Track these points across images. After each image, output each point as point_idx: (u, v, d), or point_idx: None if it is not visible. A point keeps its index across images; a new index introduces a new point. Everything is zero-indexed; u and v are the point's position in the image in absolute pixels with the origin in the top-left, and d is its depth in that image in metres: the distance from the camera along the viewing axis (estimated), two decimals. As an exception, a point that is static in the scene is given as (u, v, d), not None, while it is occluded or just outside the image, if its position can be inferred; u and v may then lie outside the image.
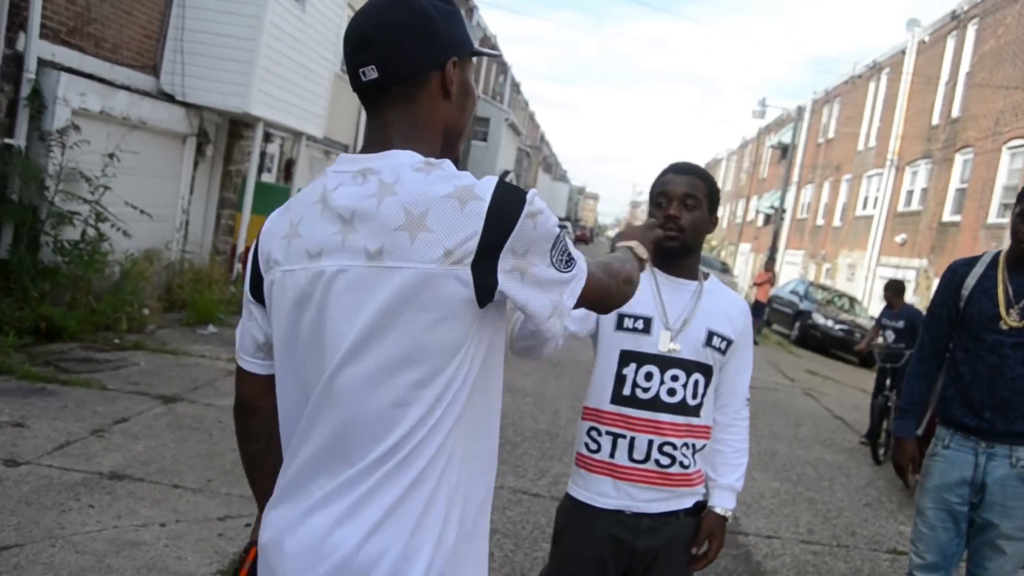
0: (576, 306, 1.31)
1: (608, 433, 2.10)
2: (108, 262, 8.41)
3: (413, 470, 1.21)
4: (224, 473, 4.62)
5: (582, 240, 66.87)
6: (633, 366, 2.09)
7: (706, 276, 2.24)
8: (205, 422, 5.48)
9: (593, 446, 2.12)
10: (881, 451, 7.43)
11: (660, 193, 2.16)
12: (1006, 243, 2.96)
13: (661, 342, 2.08)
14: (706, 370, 2.13)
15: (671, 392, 2.09)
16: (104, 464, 4.49)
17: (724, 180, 52.94)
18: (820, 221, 29.93)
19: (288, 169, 14.54)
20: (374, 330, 1.20)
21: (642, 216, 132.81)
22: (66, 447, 4.68)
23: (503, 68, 35.96)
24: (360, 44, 1.30)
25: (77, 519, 3.77)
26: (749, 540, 4.93)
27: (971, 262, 3.00)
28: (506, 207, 1.19)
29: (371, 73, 1.29)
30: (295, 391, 1.32)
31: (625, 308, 1.96)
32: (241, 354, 1.45)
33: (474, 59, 1.42)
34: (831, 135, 30.47)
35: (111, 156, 8.38)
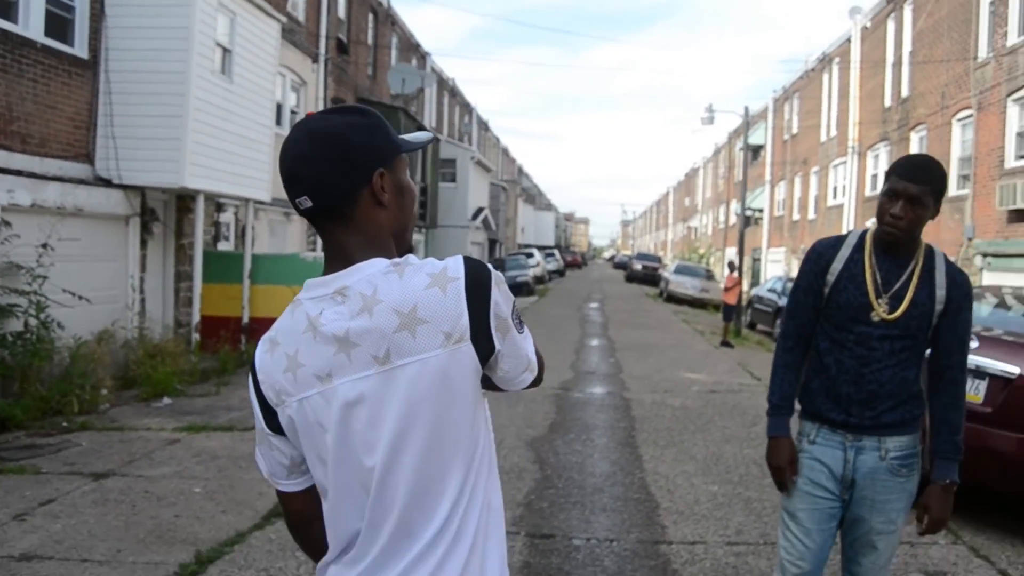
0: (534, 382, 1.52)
1: None
2: (56, 348, 8.58)
3: (470, 528, 1.38)
4: (137, 542, 4.73)
5: (574, 265, 67.15)
6: None
7: None
8: (131, 494, 5.61)
9: None
10: None
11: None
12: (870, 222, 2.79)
13: None
14: None
15: None
16: (17, 547, 4.62)
17: (704, 188, 53.20)
18: (796, 216, 30.10)
19: (243, 236, 14.78)
20: (405, 424, 1.32)
21: (631, 233, 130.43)
22: (-15, 533, 4.81)
23: (468, 109, 36.44)
24: (290, 179, 1.40)
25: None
26: (671, 548, 4.85)
27: (836, 244, 2.74)
28: (479, 279, 1.35)
29: (306, 203, 1.40)
30: (345, 494, 1.40)
31: None
32: (276, 480, 1.52)
33: (406, 154, 1.50)
34: (795, 130, 30.75)
35: (44, 247, 8.59)
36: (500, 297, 1.37)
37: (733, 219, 40.45)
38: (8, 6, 9.08)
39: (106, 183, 10.32)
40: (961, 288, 2.66)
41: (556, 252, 48.81)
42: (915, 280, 2.61)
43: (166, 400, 9.14)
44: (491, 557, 1.42)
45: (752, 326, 21.30)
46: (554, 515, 5.33)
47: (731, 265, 18.14)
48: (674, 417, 8.59)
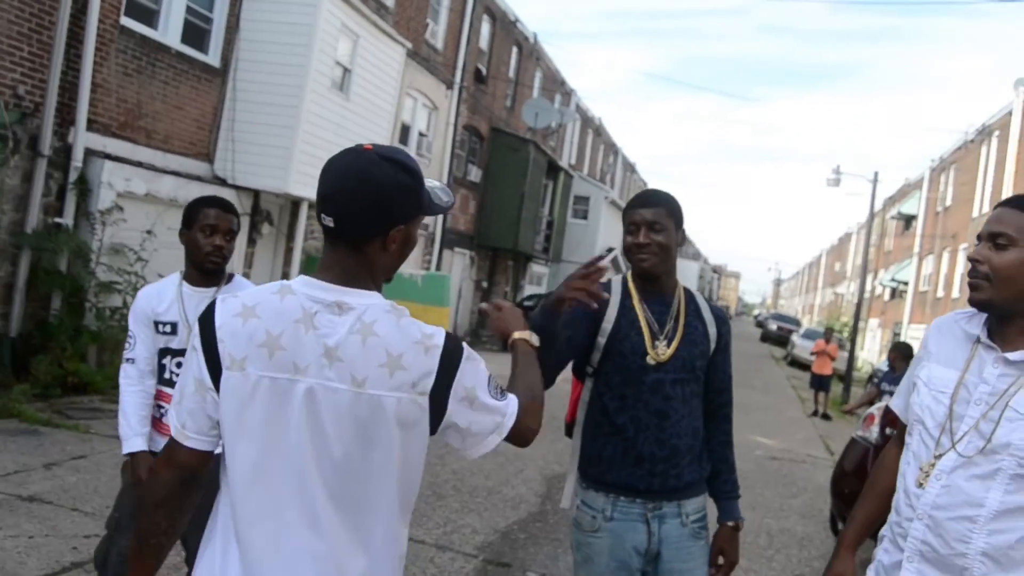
0: (508, 435, 1.68)
1: None
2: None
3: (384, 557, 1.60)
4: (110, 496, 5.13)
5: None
6: None
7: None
8: (151, 461, 6.07)
9: None
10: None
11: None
12: None
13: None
14: None
15: None
16: (30, 489, 5.12)
17: (854, 254, 50.94)
18: (940, 293, 28.39)
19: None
20: (358, 439, 1.51)
21: (781, 293, 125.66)
22: (11, 475, 5.35)
23: (613, 149, 36.62)
24: (324, 198, 1.56)
25: (-37, 527, 4.37)
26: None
27: (607, 290, 2.53)
28: (453, 352, 1.57)
29: (329, 222, 1.55)
30: (278, 475, 1.52)
31: None
32: (191, 434, 1.57)
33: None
34: (948, 203, 29.10)
35: (148, 232, 9.39)
36: (468, 368, 1.59)
37: (879, 289, 38.62)
38: (150, 13, 10.06)
39: (221, 182, 11.16)
40: (724, 322, 2.62)
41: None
42: (683, 314, 2.52)
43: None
44: None
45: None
46: (525, 547, 5.35)
47: (827, 332, 17.26)
48: (715, 475, 8.36)
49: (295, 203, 12.81)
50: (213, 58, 11.04)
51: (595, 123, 32.57)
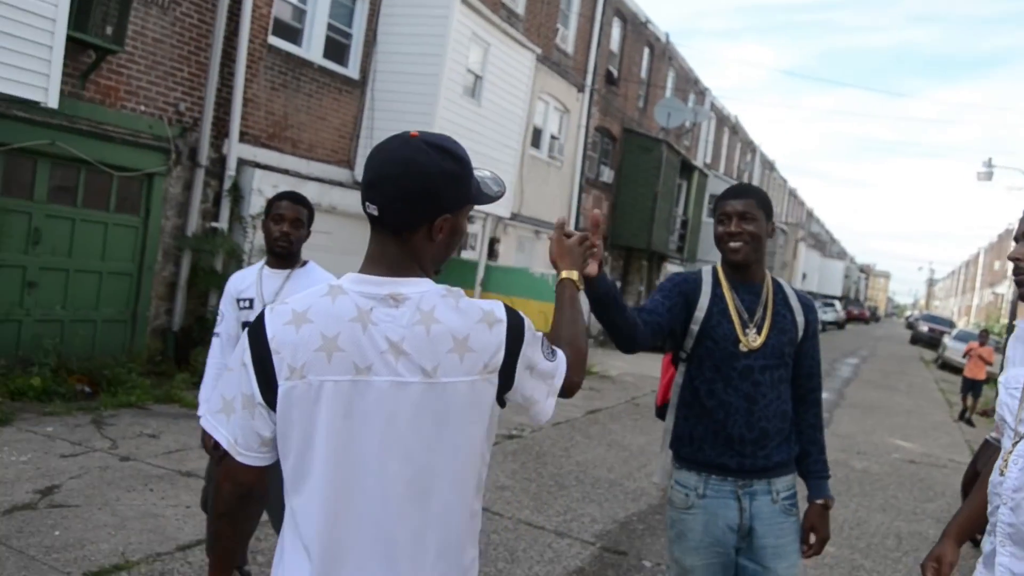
0: (560, 392, 1.69)
1: None
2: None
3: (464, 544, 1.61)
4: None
5: (859, 319, 62.87)
6: None
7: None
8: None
9: None
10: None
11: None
12: None
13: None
14: None
15: None
16: (187, 466, 5.65)
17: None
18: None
19: (492, 247, 15.89)
20: (436, 429, 1.49)
21: (935, 294, 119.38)
22: (172, 453, 5.92)
23: (750, 147, 35.80)
24: (369, 185, 1.52)
25: (132, 495, 4.90)
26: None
27: (696, 279, 2.63)
28: (516, 324, 1.57)
29: (373, 210, 1.52)
30: (353, 480, 1.48)
31: None
32: (243, 451, 1.53)
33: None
34: None
35: (294, 235, 10.03)
36: (529, 338, 1.58)
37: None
38: (295, 32, 10.74)
39: (360, 186, 11.75)
40: (812, 310, 2.69)
41: (836, 303, 46.16)
42: (772, 303, 2.60)
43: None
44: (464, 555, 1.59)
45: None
46: (642, 538, 5.44)
47: (982, 334, 16.06)
48: (846, 479, 8.14)
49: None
50: (353, 71, 11.66)
51: (731, 121, 31.97)
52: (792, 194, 48.20)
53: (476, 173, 1.64)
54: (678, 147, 23.56)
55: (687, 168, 23.21)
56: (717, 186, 27.15)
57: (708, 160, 29.01)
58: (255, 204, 9.86)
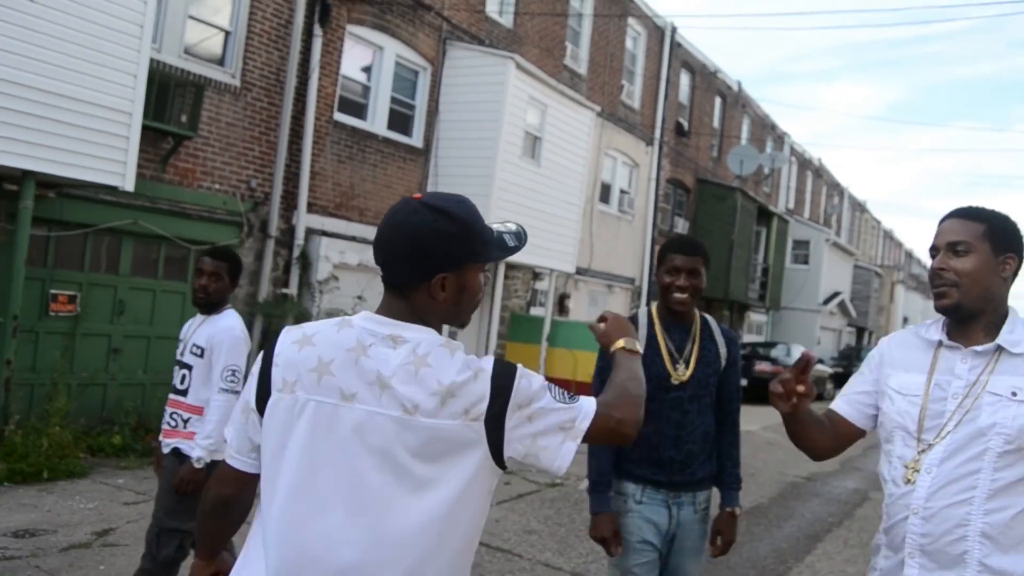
0: (590, 435, 1.63)
1: None
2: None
3: None
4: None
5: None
6: None
7: None
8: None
9: None
10: None
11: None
12: None
13: None
14: None
15: None
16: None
17: None
18: None
19: (562, 303, 16.23)
20: (404, 471, 1.53)
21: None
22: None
23: (837, 189, 35.20)
24: (374, 246, 1.66)
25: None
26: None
27: (631, 320, 2.93)
28: (503, 373, 1.58)
29: (379, 270, 1.65)
30: (319, 497, 1.54)
31: None
32: (236, 455, 1.67)
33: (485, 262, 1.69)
34: None
35: (359, 298, 10.65)
36: (523, 385, 1.58)
37: None
38: (360, 107, 11.51)
39: (426, 249, 12.34)
40: (733, 342, 3.13)
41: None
42: (698, 340, 3.01)
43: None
44: None
45: None
46: None
47: None
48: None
49: (509, 266, 13.72)
50: (417, 140, 12.35)
51: (814, 165, 31.60)
52: (888, 235, 46.85)
53: (496, 227, 1.71)
54: (756, 194, 23.51)
55: (765, 215, 23.10)
56: (800, 232, 26.86)
57: (791, 205, 28.73)
58: (322, 270, 10.55)
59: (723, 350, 3.05)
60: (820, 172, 32.46)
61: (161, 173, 8.91)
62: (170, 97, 8.54)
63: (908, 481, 2.00)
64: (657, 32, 18.80)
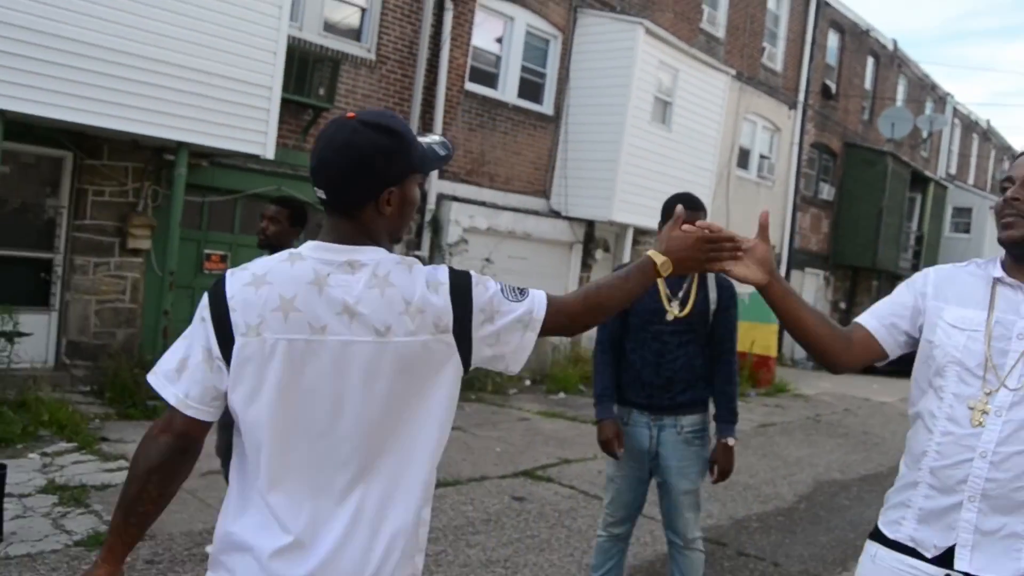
0: (545, 327, 1.70)
1: None
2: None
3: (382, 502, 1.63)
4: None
5: None
6: None
7: None
8: (456, 444, 7.43)
9: None
10: None
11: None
12: None
13: None
14: None
15: None
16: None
17: None
18: None
19: (696, 269, 16.12)
20: (386, 390, 1.57)
21: None
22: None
23: (1008, 153, 32.67)
24: (313, 172, 1.61)
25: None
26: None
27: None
28: (461, 286, 1.63)
29: (321, 195, 1.61)
30: (302, 435, 1.56)
31: None
32: (193, 403, 1.58)
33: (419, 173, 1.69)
34: None
35: (487, 260, 11.08)
36: (479, 291, 1.65)
37: None
38: (491, 77, 11.86)
39: (555, 214, 12.62)
40: (727, 290, 3.43)
41: None
42: (695, 286, 3.37)
43: (562, 395, 10.97)
44: (382, 541, 1.59)
45: None
46: (752, 534, 5.70)
47: None
48: None
49: (638, 231, 13.81)
50: (547, 108, 12.59)
51: (980, 127, 29.51)
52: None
53: (423, 140, 1.72)
54: (912, 159, 22.33)
55: (920, 180, 21.90)
56: (961, 198, 25.30)
57: (952, 170, 27.03)
58: (453, 234, 11.02)
59: (713, 294, 3.38)
60: (988, 135, 30.28)
61: (302, 143, 9.59)
62: (309, 72, 9.17)
63: (978, 424, 1.90)
64: (803, -9, 18.14)
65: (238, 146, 8.02)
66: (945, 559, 1.93)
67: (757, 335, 13.50)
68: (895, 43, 22.02)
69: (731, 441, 3.41)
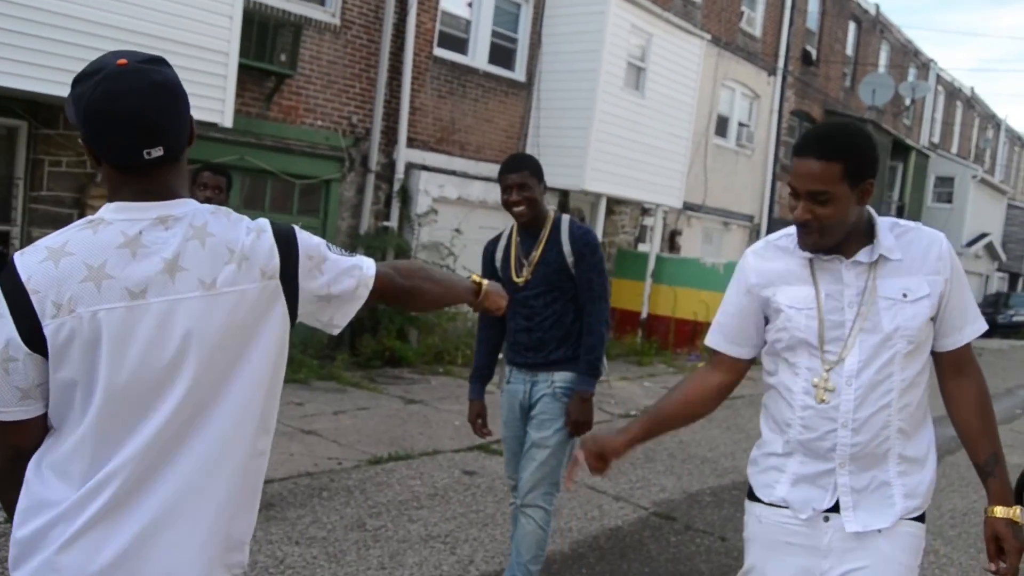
0: (378, 289, 1.70)
1: None
2: (461, 314, 10.88)
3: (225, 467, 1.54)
4: (372, 438, 6.40)
5: None
6: None
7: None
8: (414, 415, 7.37)
9: None
10: None
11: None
12: None
13: None
14: None
15: None
16: (313, 426, 6.62)
17: None
18: None
19: (673, 240, 16.05)
20: (221, 344, 1.47)
21: None
22: (307, 416, 6.93)
23: (992, 121, 32.64)
24: (150, 131, 1.44)
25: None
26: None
27: (498, 238, 3.62)
28: (284, 232, 1.59)
29: (157, 152, 1.46)
30: (126, 412, 1.43)
31: None
32: (6, 408, 1.44)
33: None
34: None
35: (457, 231, 10.96)
36: (304, 238, 1.61)
37: None
38: (460, 42, 11.65)
39: (528, 183, 12.47)
40: (579, 240, 3.39)
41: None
42: (542, 245, 3.40)
43: (531, 366, 10.91)
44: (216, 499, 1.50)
45: None
46: (703, 508, 5.68)
47: None
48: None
49: (611, 201, 13.68)
50: (519, 74, 12.40)
51: (964, 95, 29.39)
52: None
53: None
54: (895, 127, 22.25)
55: (902, 148, 21.83)
56: (944, 167, 25.27)
57: (936, 139, 26.95)
58: (422, 204, 10.89)
59: (567, 248, 3.36)
60: (972, 103, 30.13)
61: (266, 111, 9.41)
62: (270, 37, 8.96)
63: (822, 401, 2.04)
64: (783, -45, 17.89)
65: (195, 114, 7.76)
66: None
67: (679, 298, 13.48)
68: (877, 8, 21.83)
69: (586, 393, 3.39)
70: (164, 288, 1.44)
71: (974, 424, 2.09)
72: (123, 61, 1.47)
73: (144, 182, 1.49)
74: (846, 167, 1.94)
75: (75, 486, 1.43)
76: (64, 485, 1.44)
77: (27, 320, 1.40)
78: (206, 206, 1.54)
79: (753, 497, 2.21)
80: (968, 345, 2.11)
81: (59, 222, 8.02)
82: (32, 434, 1.49)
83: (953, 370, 2.12)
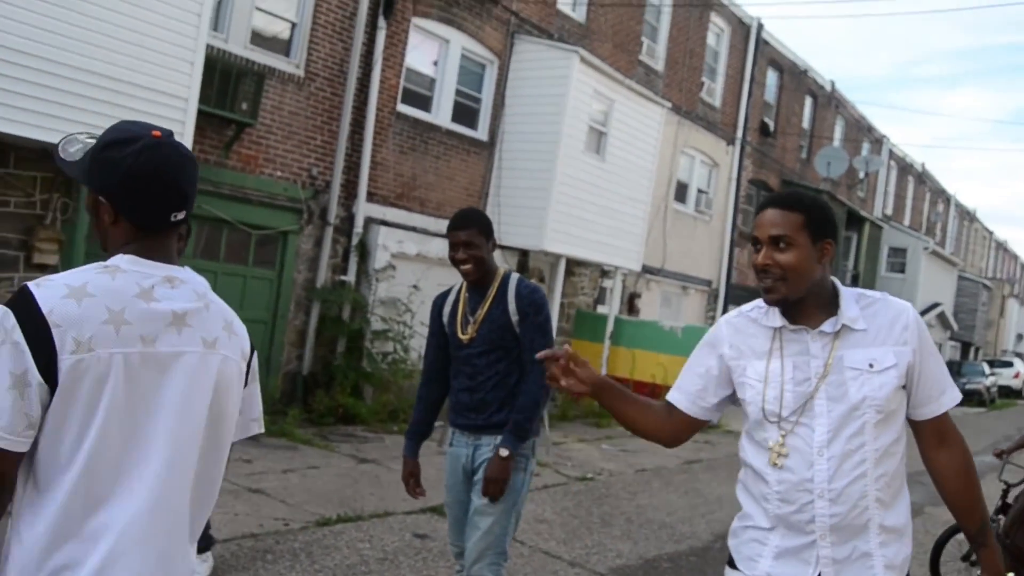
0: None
1: None
2: (414, 370, 10.69)
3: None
4: (322, 498, 6.15)
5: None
6: None
7: None
8: (365, 473, 7.12)
9: None
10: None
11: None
12: None
13: None
14: None
15: None
16: (259, 484, 6.35)
17: None
18: None
19: (632, 302, 16.06)
20: (211, 404, 1.62)
21: None
22: (254, 474, 6.65)
23: (942, 196, 33.60)
24: (183, 198, 1.63)
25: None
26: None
27: (448, 292, 3.46)
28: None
29: (180, 216, 1.64)
30: (138, 449, 1.52)
31: None
32: (9, 436, 1.42)
33: None
34: None
35: (415, 287, 10.82)
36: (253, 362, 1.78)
37: None
38: (424, 99, 11.68)
39: (488, 242, 12.43)
40: (525, 299, 3.26)
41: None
42: (488, 303, 3.27)
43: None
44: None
45: None
46: (660, 574, 5.53)
47: None
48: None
49: (570, 262, 13.65)
50: (482, 133, 12.45)
51: (916, 170, 30.26)
52: (1002, 246, 44.36)
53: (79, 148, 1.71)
54: (849, 199, 22.76)
55: (856, 219, 22.29)
56: (897, 239, 25.84)
57: (888, 211, 27.62)
58: (380, 259, 10.76)
59: (512, 306, 3.24)
60: (923, 178, 31.04)
61: (225, 159, 9.27)
62: (232, 85, 8.87)
63: (775, 465, 2.06)
64: (742, 28, 18.38)
65: (148, 159, 7.68)
66: None
67: (638, 360, 13.48)
68: (832, 84, 22.49)
69: (503, 452, 3.18)
70: (171, 340, 1.57)
71: (964, 495, 2.11)
72: (157, 133, 1.62)
73: (158, 239, 1.63)
74: (808, 219, 2.01)
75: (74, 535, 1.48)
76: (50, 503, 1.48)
77: (44, 352, 1.45)
78: (201, 277, 1.68)
79: (734, 566, 2.18)
80: (947, 414, 2.12)
81: (4, 265, 7.76)
82: (15, 465, 1.48)
83: (936, 439, 2.12)
